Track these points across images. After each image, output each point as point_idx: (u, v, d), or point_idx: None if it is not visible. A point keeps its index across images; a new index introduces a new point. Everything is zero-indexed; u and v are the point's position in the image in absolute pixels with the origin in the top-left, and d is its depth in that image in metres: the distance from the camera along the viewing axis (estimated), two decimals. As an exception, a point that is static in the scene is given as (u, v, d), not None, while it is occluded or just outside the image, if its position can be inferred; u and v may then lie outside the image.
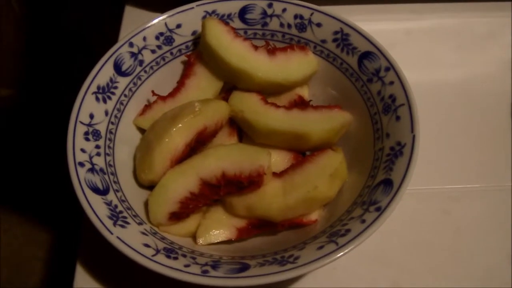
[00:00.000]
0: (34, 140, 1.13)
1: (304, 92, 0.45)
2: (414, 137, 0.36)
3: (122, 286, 0.40)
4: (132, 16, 0.57)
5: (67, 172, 0.36)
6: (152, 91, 0.44)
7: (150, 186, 0.40)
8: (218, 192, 0.38)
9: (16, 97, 1.15)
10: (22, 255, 1.03)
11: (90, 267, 0.41)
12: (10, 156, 1.12)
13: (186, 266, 0.32)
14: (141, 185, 0.41)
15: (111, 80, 0.41)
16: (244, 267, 0.32)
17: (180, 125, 0.39)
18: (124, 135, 0.42)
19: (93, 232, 0.34)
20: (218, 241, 0.38)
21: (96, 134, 0.39)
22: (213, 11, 0.45)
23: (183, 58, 0.46)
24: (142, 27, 0.44)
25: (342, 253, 0.32)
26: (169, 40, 0.45)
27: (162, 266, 0.32)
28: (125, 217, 0.36)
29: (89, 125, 0.39)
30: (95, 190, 0.36)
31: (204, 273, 0.32)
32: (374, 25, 0.45)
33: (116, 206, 0.36)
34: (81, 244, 0.42)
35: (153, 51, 0.44)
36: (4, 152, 1.11)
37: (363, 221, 0.33)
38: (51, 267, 1.02)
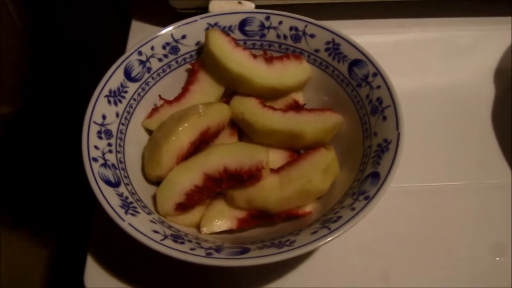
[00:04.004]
0: (34, 153, 1.15)
1: (299, 97, 0.48)
2: (399, 134, 0.39)
3: (132, 283, 0.43)
4: (138, 30, 0.61)
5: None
6: (159, 96, 0.47)
7: (157, 183, 0.43)
8: (221, 185, 0.41)
9: (19, 112, 1.18)
10: (22, 268, 1.05)
11: (100, 265, 0.43)
12: (10, 169, 1.14)
13: (192, 249, 0.35)
14: (149, 181, 0.44)
15: (121, 85, 0.45)
16: (245, 250, 0.36)
17: (185, 124, 0.42)
18: (133, 136, 0.45)
19: (102, 233, 0.36)
20: (221, 230, 0.41)
21: (108, 133, 0.42)
22: (215, 23, 0.49)
23: (188, 66, 0.49)
24: (150, 37, 0.47)
25: (333, 237, 0.35)
26: (174, 50, 0.48)
27: (170, 249, 0.35)
28: (135, 207, 0.39)
29: (102, 125, 0.42)
30: (108, 182, 0.39)
31: (209, 255, 0.35)
32: (365, 38, 0.49)
33: (127, 198, 0.39)
34: (91, 247, 0.44)
35: (160, 60, 0.48)
36: (4, 164, 1.13)
37: (353, 209, 0.36)
38: (51, 280, 1.04)
